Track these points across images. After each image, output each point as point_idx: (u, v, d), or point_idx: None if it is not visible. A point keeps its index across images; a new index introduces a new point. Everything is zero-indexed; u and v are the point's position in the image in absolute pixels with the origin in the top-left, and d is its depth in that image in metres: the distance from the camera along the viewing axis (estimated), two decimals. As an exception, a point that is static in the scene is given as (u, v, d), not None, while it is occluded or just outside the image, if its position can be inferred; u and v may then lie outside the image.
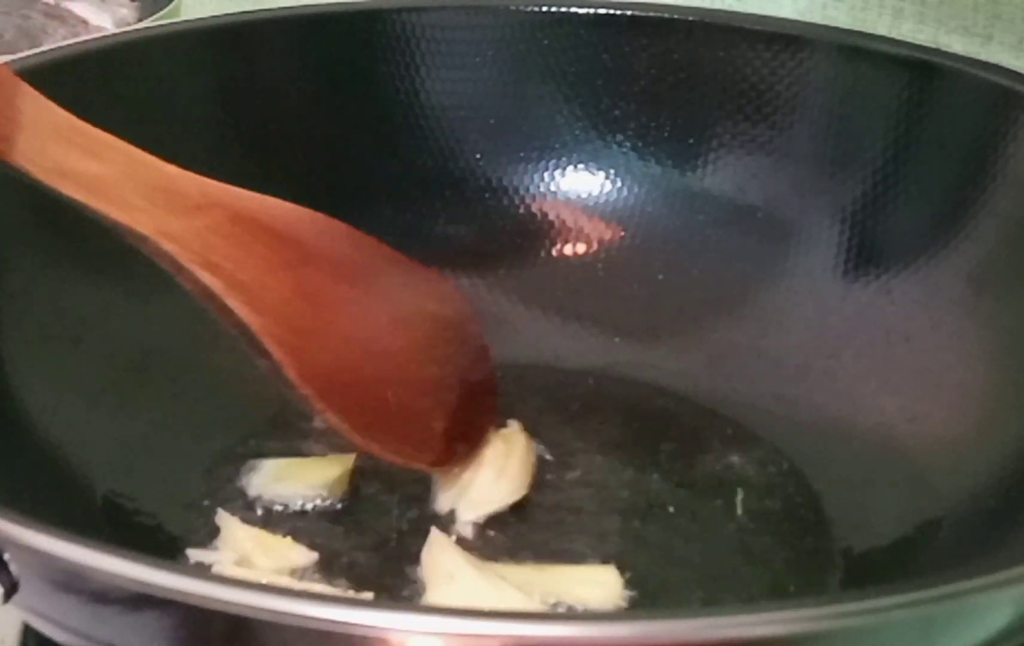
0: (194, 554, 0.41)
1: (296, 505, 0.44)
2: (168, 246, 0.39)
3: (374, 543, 0.43)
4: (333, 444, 0.47)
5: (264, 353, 0.40)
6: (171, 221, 0.39)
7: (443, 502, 0.44)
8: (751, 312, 0.53)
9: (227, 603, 0.27)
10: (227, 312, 0.40)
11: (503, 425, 0.47)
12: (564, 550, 0.42)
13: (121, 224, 0.39)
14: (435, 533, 0.42)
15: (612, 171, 0.57)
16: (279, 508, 0.44)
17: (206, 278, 0.39)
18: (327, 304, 0.43)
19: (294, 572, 0.41)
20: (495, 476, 0.44)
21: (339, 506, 0.44)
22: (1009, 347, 0.45)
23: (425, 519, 0.43)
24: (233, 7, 0.59)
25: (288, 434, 0.48)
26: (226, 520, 0.43)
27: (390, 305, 0.45)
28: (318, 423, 0.48)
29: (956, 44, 0.59)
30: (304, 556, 0.41)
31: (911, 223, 0.51)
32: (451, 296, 0.47)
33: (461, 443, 0.44)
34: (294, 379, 0.40)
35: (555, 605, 0.39)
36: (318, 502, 0.44)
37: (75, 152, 0.39)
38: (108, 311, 0.48)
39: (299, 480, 0.45)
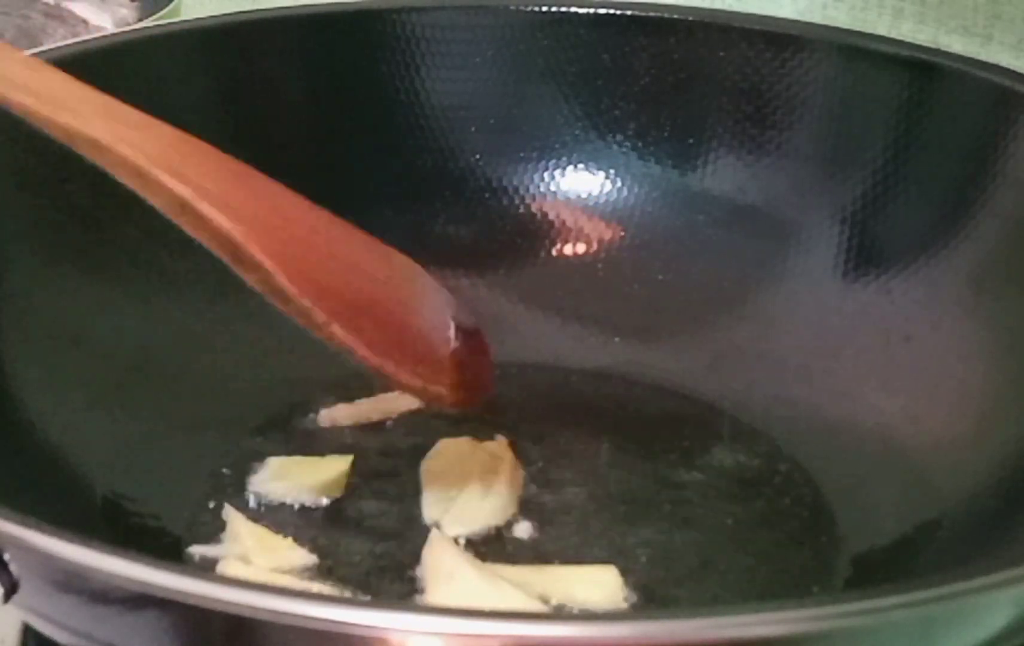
0: (198, 550, 0.42)
1: (294, 504, 0.44)
2: (128, 152, 0.36)
3: (373, 542, 0.42)
4: (333, 445, 0.47)
5: (253, 269, 0.37)
6: (126, 131, 0.37)
7: (429, 513, 0.44)
8: (751, 312, 0.53)
9: (227, 603, 0.27)
10: (202, 227, 0.36)
11: (490, 438, 0.46)
12: (563, 550, 0.42)
13: (75, 133, 0.36)
14: (435, 533, 0.42)
15: (612, 171, 0.57)
16: (277, 507, 0.44)
17: (175, 185, 0.36)
18: (303, 223, 0.40)
19: (294, 572, 0.41)
20: (482, 494, 0.44)
21: (338, 506, 0.44)
22: (1009, 347, 0.45)
23: (423, 518, 0.43)
24: (233, 7, 0.59)
25: (288, 434, 0.48)
26: (232, 515, 0.43)
27: (363, 242, 0.42)
28: (320, 423, 0.48)
29: (956, 44, 0.59)
30: (304, 557, 0.41)
31: (911, 223, 0.51)
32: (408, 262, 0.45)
33: (471, 382, 0.42)
34: (288, 288, 0.37)
35: (555, 605, 0.39)
36: (317, 501, 0.44)
37: (20, 69, 0.37)
38: (108, 311, 0.48)
39: (297, 479, 0.45)
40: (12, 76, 0.37)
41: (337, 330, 0.38)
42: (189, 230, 0.37)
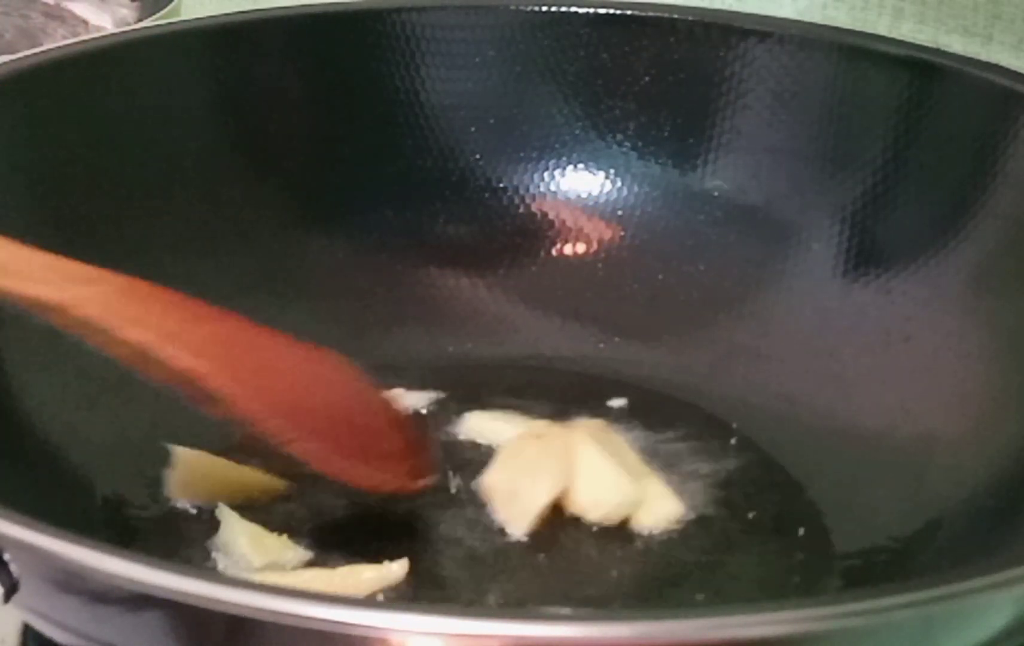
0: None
1: (294, 502, 0.44)
2: (83, 312, 0.37)
3: (369, 540, 0.42)
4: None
5: (210, 400, 0.38)
6: (78, 289, 0.38)
7: (496, 518, 0.43)
8: (751, 312, 0.53)
9: (227, 603, 0.27)
10: (160, 368, 0.38)
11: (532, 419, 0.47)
12: (563, 545, 0.42)
13: (27, 298, 0.38)
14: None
15: (612, 171, 0.57)
16: (276, 505, 0.44)
17: (134, 334, 0.38)
18: (257, 346, 0.42)
19: (289, 569, 0.41)
20: (531, 480, 0.44)
21: (338, 504, 0.44)
22: (1009, 347, 0.45)
23: (413, 514, 0.43)
24: (233, 7, 0.59)
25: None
26: (226, 514, 0.43)
27: (310, 353, 0.43)
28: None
29: (956, 44, 0.59)
30: (299, 555, 0.41)
31: (911, 223, 0.51)
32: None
33: (420, 468, 0.44)
34: (251, 415, 0.39)
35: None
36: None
37: None
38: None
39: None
40: None
41: (296, 447, 0.40)
42: (146, 371, 0.38)
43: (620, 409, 0.49)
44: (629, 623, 0.27)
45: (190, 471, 0.44)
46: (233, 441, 0.46)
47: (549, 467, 0.44)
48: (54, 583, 0.30)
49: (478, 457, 0.46)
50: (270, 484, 0.44)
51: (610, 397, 0.50)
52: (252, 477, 0.44)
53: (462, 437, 0.48)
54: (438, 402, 0.49)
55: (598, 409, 0.49)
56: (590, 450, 0.44)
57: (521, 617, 0.28)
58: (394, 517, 0.43)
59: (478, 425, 0.48)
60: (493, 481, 0.44)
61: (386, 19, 0.56)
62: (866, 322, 0.50)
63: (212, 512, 0.43)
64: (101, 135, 0.50)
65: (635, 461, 0.45)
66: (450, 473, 0.45)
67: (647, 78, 0.56)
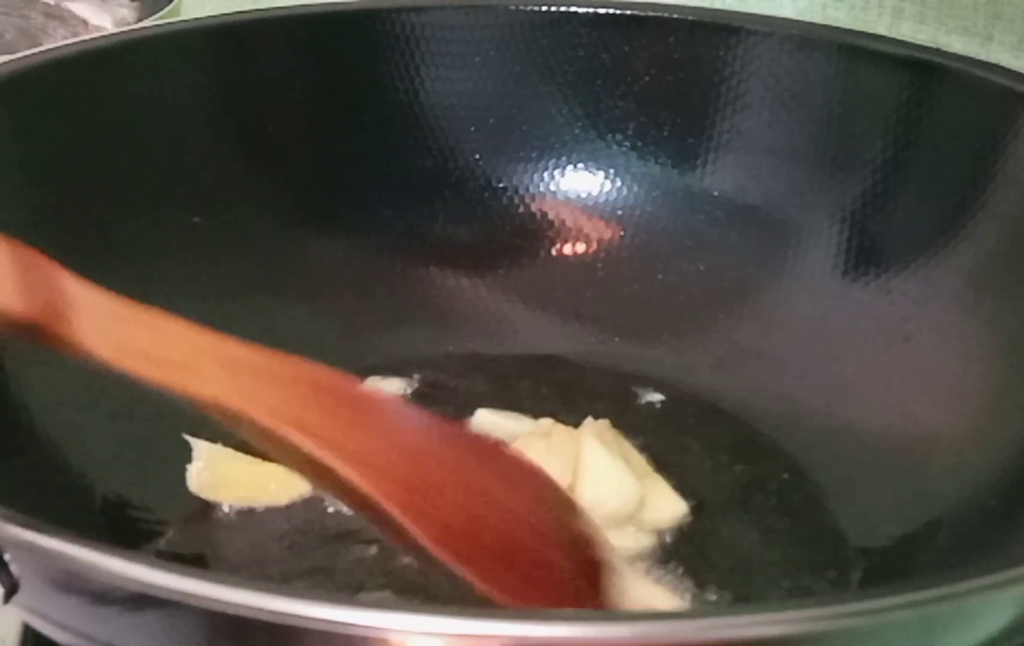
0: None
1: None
2: (258, 415, 0.34)
3: (367, 544, 0.42)
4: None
5: (376, 515, 0.34)
6: (255, 389, 0.35)
7: None
8: (751, 312, 0.53)
9: (227, 603, 0.27)
10: (327, 477, 0.35)
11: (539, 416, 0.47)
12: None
13: (200, 399, 0.35)
14: None
15: (612, 171, 0.57)
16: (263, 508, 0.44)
17: (307, 444, 0.34)
18: (431, 459, 0.38)
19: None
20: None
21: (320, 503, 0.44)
22: (1009, 347, 0.45)
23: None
24: (233, 7, 0.59)
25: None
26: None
27: (489, 463, 0.39)
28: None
29: (956, 44, 0.59)
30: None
31: (911, 223, 0.51)
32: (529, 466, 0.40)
33: (584, 584, 0.38)
34: (416, 535, 0.34)
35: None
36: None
37: (140, 330, 0.35)
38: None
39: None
40: (130, 343, 0.35)
41: (460, 570, 0.35)
42: (315, 480, 0.36)
43: (621, 408, 0.49)
44: (629, 623, 0.27)
45: (212, 466, 0.44)
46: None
47: (555, 466, 0.44)
48: (54, 583, 0.30)
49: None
50: (293, 483, 0.44)
51: (611, 396, 0.50)
52: (275, 474, 0.44)
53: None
54: (438, 402, 0.49)
55: (599, 408, 0.49)
56: (595, 449, 0.44)
57: (521, 617, 0.28)
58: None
59: (485, 423, 0.48)
60: None
61: (386, 19, 0.56)
62: (866, 322, 0.50)
63: (213, 511, 0.43)
64: (101, 135, 0.50)
65: (639, 460, 0.45)
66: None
67: (647, 78, 0.56)
